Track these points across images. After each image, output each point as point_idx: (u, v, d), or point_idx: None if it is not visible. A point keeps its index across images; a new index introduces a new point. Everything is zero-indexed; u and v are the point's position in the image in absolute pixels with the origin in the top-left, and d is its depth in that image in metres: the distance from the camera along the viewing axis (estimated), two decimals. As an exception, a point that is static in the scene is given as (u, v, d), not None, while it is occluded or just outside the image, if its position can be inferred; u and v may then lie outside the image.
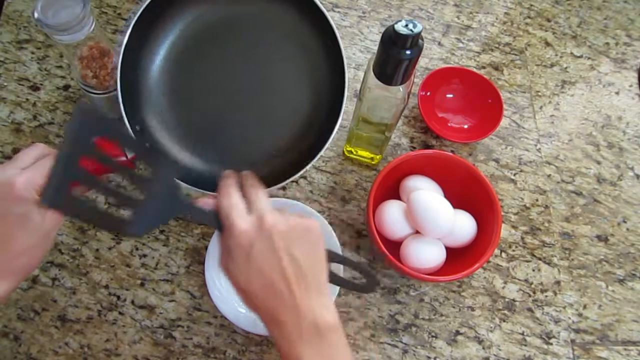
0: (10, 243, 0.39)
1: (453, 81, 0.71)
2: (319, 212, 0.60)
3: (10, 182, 0.39)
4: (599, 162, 0.71)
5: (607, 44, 0.79)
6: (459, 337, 0.60)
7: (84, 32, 0.53)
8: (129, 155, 0.49)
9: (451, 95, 0.72)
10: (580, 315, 0.63)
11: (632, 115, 0.75)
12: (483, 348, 0.60)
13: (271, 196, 0.62)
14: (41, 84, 0.68)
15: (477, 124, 0.70)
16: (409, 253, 0.57)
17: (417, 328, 0.60)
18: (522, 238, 0.66)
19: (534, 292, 0.63)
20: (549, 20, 0.80)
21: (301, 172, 0.54)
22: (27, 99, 0.67)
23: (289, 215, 0.42)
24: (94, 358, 0.56)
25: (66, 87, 0.68)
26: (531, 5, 0.81)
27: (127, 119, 0.50)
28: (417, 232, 0.58)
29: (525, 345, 0.60)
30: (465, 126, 0.71)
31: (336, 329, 0.40)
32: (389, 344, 0.59)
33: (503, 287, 0.63)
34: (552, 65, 0.77)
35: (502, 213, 0.64)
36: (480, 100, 0.70)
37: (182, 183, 0.51)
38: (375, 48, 0.59)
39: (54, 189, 0.33)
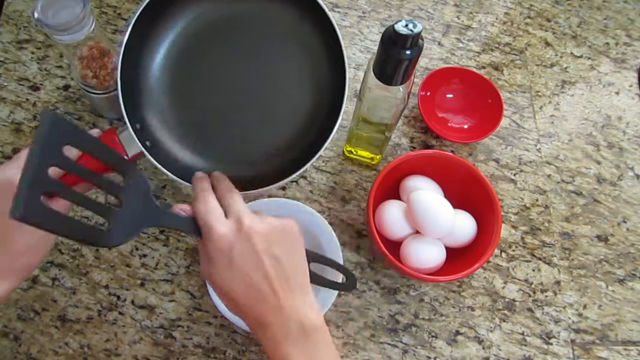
0: (11, 243, 0.39)
1: (453, 81, 0.71)
2: (319, 212, 0.60)
3: (10, 181, 0.39)
4: (599, 162, 0.71)
5: (607, 44, 0.79)
6: (459, 337, 0.60)
7: (84, 32, 0.53)
8: (130, 155, 0.49)
9: (451, 95, 0.72)
10: (580, 315, 0.63)
11: (632, 115, 0.75)
12: (483, 348, 0.60)
13: (270, 196, 0.62)
14: (41, 84, 0.68)
15: (477, 124, 0.70)
16: (409, 253, 0.57)
17: (417, 328, 0.60)
18: (522, 238, 0.66)
19: (534, 292, 0.63)
20: (549, 20, 0.80)
21: (301, 171, 0.54)
22: (27, 99, 0.67)
23: (266, 217, 0.42)
24: (94, 358, 0.56)
25: (66, 87, 0.68)
26: (531, 5, 0.81)
27: (128, 117, 0.50)
28: (417, 232, 0.58)
29: (525, 345, 0.60)
30: (465, 126, 0.71)
31: (321, 327, 0.41)
32: (389, 344, 0.59)
33: (503, 287, 0.63)
34: (552, 65, 0.77)
35: (502, 213, 0.64)
36: (480, 100, 0.70)
37: (182, 182, 0.51)
38: (375, 48, 0.59)
39: (24, 201, 0.31)
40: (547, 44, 0.78)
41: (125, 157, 0.45)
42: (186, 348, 0.57)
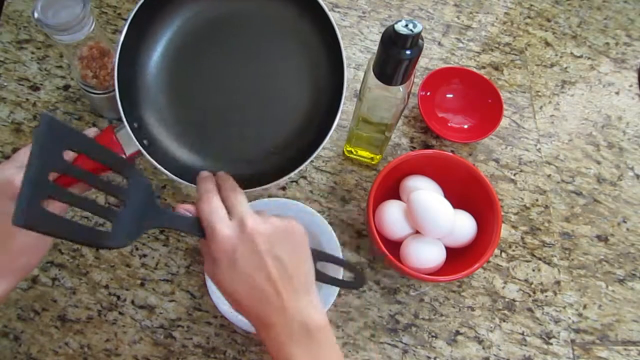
0: (10, 242, 0.39)
1: (453, 81, 0.71)
2: (319, 212, 0.60)
3: (9, 181, 0.39)
4: (599, 162, 0.71)
5: (607, 44, 0.79)
6: (459, 337, 0.60)
7: (84, 32, 0.53)
8: (128, 153, 0.49)
9: (451, 95, 0.72)
10: (580, 315, 0.63)
11: (632, 115, 0.75)
12: (483, 348, 0.60)
13: (270, 196, 0.62)
14: (41, 84, 0.68)
15: (477, 124, 0.70)
16: (409, 253, 0.57)
17: (417, 328, 0.60)
18: (522, 238, 0.66)
19: (534, 292, 0.63)
20: (549, 20, 0.80)
21: (299, 169, 0.54)
22: (27, 99, 0.67)
23: (270, 217, 0.42)
24: (94, 358, 0.56)
25: (66, 87, 0.68)
26: (531, 5, 0.81)
27: (125, 116, 0.49)
28: (417, 232, 0.58)
29: (525, 345, 0.60)
30: (465, 126, 0.71)
31: (325, 328, 0.41)
32: (389, 344, 0.59)
33: (503, 287, 0.63)
34: (552, 65, 0.77)
35: (502, 213, 0.64)
36: (480, 100, 0.70)
37: (180, 180, 0.51)
38: (375, 48, 0.59)
39: (25, 208, 0.31)
40: (547, 44, 0.78)
41: (123, 156, 0.45)
42: (186, 348, 0.57)
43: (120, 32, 0.50)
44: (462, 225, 0.58)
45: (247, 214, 0.41)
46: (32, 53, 0.70)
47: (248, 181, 0.52)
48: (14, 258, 0.40)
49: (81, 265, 0.60)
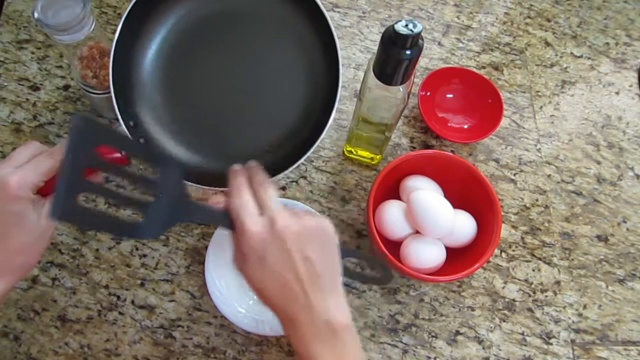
0: (7, 242, 0.40)
1: (453, 81, 0.71)
2: (319, 212, 0.60)
3: (4, 180, 0.39)
4: (599, 162, 0.71)
5: (607, 44, 0.79)
6: (459, 337, 0.60)
7: (84, 32, 0.53)
8: (123, 152, 0.49)
9: (451, 95, 0.72)
10: (580, 315, 0.63)
11: (632, 115, 0.75)
12: (483, 348, 0.60)
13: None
14: (41, 84, 0.68)
15: (477, 124, 0.70)
16: (409, 253, 0.57)
17: (417, 328, 0.60)
18: (522, 238, 0.66)
19: (534, 292, 0.63)
20: (549, 20, 0.80)
21: (293, 167, 0.54)
22: (27, 99, 0.67)
23: (300, 215, 0.42)
24: (94, 358, 0.56)
25: (66, 87, 0.68)
26: (531, 5, 0.81)
27: (121, 113, 0.49)
28: (417, 232, 0.58)
29: (525, 345, 0.60)
30: (465, 126, 0.71)
31: (350, 328, 0.41)
32: (389, 344, 0.59)
33: (503, 287, 0.63)
34: (552, 65, 0.77)
35: (502, 213, 0.64)
36: (480, 100, 0.70)
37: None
38: (375, 48, 0.59)
39: (61, 202, 0.33)
40: (547, 44, 0.78)
41: (119, 155, 0.45)
42: (186, 348, 0.57)
43: (115, 30, 0.50)
44: (462, 225, 0.58)
45: (278, 211, 0.41)
46: (32, 53, 0.70)
47: None
48: (12, 257, 0.40)
49: (81, 265, 0.60)
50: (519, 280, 0.64)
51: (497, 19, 0.79)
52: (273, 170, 0.54)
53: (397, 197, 0.61)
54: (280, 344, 0.58)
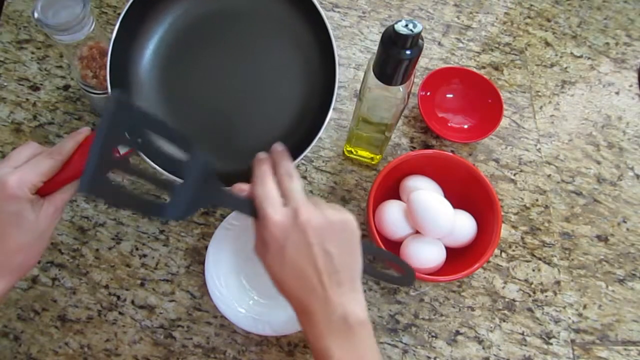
0: (5, 242, 0.40)
1: (453, 81, 0.71)
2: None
3: (2, 180, 0.39)
4: (599, 162, 0.71)
5: (607, 44, 0.79)
6: (459, 337, 0.60)
7: (84, 32, 0.53)
8: (122, 152, 0.49)
9: (451, 95, 0.72)
10: (580, 315, 0.63)
11: (632, 115, 0.75)
12: (483, 348, 0.60)
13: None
14: (41, 84, 0.68)
15: (477, 124, 0.70)
16: (409, 253, 0.57)
17: (417, 328, 0.60)
18: (522, 238, 0.66)
19: (534, 292, 0.63)
20: (549, 20, 0.80)
21: (294, 164, 0.54)
22: (27, 99, 0.67)
23: (324, 208, 0.41)
24: (94, 358, 0.56)
25: (66, 87, 0.68)
26: (531, 5, 0.81)
27: None
28: (417, 232, 0.58)
29: (525, 345, 0.60)
30: (465, 126, 0.71)
31: (365, 325, 0.41)
32: (389, 344, 0.59)
33: (503, 287, 0.63)
34: (552, 65, 0.77)
35: (502, 213, 0.64)
36: (480, 100, 0.70)
37: (175, 178, 0.51)
38: (375, 48, 0.59)
39: (91, 176, 0.34)
40: (547, 44, 0.78)
41: (118, 155, 0.45)
42: (186, 348, 0.57)
43: (112, 30, 0.50)
44: (462, 225, 0.58)
45: (302, 203, 0.41)
46: (32, 53, 0.70)
47: (243, 178, 0.52)
48: (11, 257, 0.40)
49: (81, 265, 0.60)
50: (519, 280, 0.64)
51: (497, 19, 0.79)
52: None
53: (397, 197, 0.61)
54: (280, 344, 0.58)
